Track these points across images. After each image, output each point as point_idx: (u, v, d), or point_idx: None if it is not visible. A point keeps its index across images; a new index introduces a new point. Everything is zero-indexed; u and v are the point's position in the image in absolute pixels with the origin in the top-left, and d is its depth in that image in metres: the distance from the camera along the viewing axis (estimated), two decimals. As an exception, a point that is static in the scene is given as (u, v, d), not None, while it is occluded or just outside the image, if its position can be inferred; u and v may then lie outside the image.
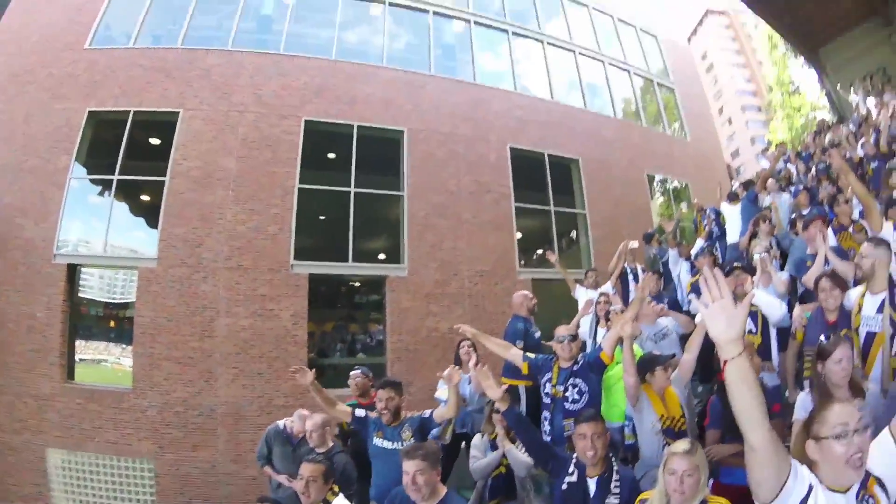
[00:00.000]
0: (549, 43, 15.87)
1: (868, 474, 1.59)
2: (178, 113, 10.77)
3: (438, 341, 10.49)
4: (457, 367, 4.21)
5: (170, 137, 10.64)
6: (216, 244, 10.14)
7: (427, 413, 4.01)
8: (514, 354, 4.20)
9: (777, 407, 3.19)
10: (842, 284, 3.54)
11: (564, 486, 2.98)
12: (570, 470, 3.00)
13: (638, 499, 2.70)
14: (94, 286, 10.78)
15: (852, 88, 12.15)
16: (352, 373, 5.55)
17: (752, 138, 48.57)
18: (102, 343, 10.69)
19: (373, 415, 4.13)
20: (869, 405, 2.52)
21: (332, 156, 11.99)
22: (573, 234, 14.04)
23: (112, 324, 10.76)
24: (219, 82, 11.20)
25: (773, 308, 4.13)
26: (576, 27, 16.85)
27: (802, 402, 2.85)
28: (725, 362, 1.42)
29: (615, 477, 2.89)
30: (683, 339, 4.59)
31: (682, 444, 2.50)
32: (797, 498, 1.55)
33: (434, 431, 4.31)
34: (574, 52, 16.31)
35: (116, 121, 10.75)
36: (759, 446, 1.49)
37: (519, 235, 12.65)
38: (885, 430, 1.69)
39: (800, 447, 1.71)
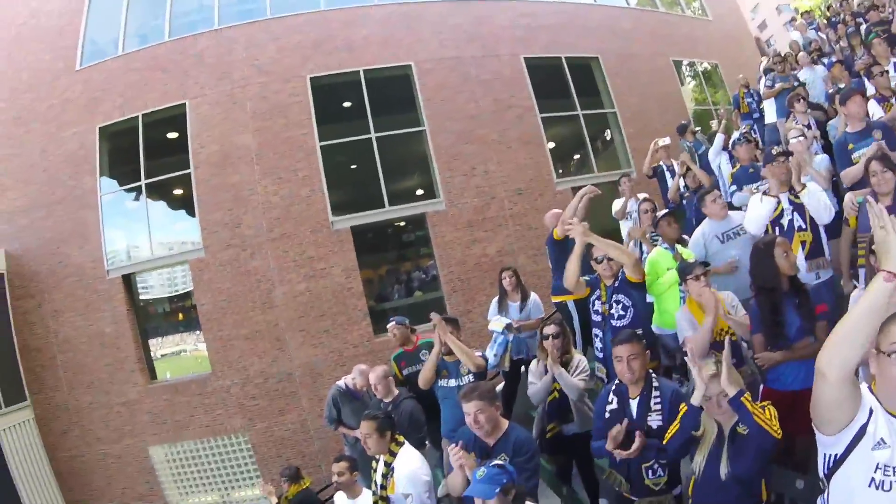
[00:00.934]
0: (552, -66, 14.84)
1: None
2: (185, 104, 10.70)
3: (489, 266, 10.31)
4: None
5: (184, 129, 10.65)
6: (254, 220, 10.22)
7: (479, 352, 4.09)
8: (571, 275, 4.05)
9: (823, 307, 2.92)
10: (893, 166, 3.28)
11: (607, 415, 2.93)
12: (609, 398, 2.96)
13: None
14: (153, 285, 11.33)
15: None
16: (388, 325, 5.42)
17: (777, 7, 44.92)
18: (178, 335, 11.30)
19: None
20: None
21: (346, 105, 11.66)
22: (607, 134, 13.42)
23: (181, 315, 11.33)
24: (214, 63, 10.99)
25: (825, 212, 3.73)
26: None
27: (856, 298, 2.64)
28: (892, 275, 1.25)
29: (654, 394, 2.85)
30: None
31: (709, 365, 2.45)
32: (857, 425, 1.39)
33: (491, 361, 4.26)
34: (580, -63, 15.22)
35: (128, 129, 10.83)
36: (836, 381, 1.33)
37: (551, 146, 12.21)
38: None
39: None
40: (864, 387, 1.43)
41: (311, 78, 11.09)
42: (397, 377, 5.01)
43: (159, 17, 11.60)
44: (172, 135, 10.94)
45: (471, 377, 3.98)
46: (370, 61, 11.56)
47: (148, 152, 10.74)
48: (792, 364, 2.84)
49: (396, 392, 4.65)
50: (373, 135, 11.07)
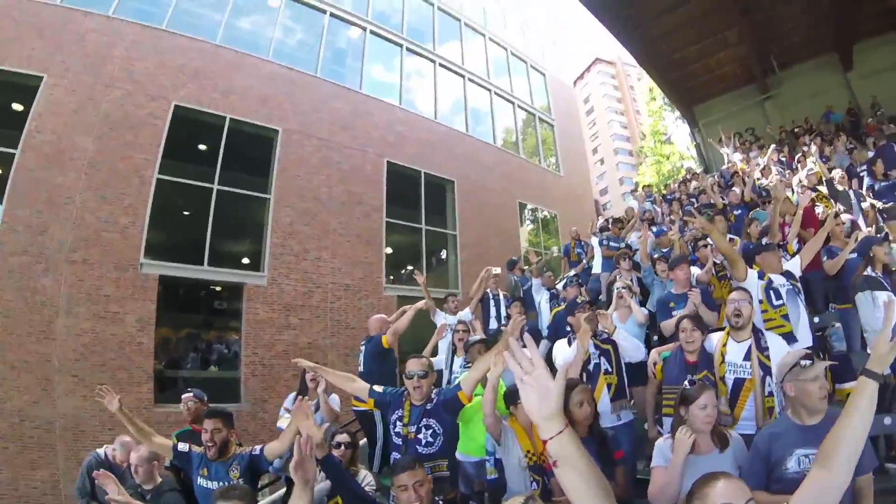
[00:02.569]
0: (441, 64, 16.18)
1: None
2: (42, 78, 9.42)
3: (297, 356, 9.73)
4: (303, 397, 3.82)
5: (30, 105, 9.32)
6: (61, 232, 8.96)
7: (257, 449, 3.50)
8: (359, 388, 3.67)
9: (620, 453, 3.06)
10: (703, 327, 3.65)
11: None
12: None
13: None
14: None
15: (722, 141, 13.51)
16: (183, 396, 4.88)
17: (621, 178, 53.12)
18: None
19: (199, 449, 3.61)
20: (733, 452, 2.61)
21: (201, 148, 11.15)
22: (443, 253, 14.20)
23: None
24: (91, 49, 9.99)
25: (637, 351, 4.12)
26: (469, 53, 17.38)
27: (661, 450, 2.74)
28: (545, 443, 1.17)
29: None
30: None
31: (516, 500, 2.38)
32: None
33: (276, 464, 3.87)
34: (464, 76, 16.78)
35: None
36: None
37: (389, 251, 12.56)
38: None
39: None
40: None
41: (176, 105, 10.52)
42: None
43: (64, -24, 10.36)
44: (17, 106, 9.45)
45: (241, 481, 3.39)
46: (241, 112, 11.31)
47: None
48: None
49: (160, 480, 4.06)
50: (215, 185, 10.59)
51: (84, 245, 9.10)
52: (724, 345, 3.45)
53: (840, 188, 7.28)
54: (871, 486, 2.24)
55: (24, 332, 8.45)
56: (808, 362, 2.39)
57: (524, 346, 1.33)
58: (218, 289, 10.96)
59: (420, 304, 5.44)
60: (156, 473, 4.06)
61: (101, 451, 4.90)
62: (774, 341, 3.38)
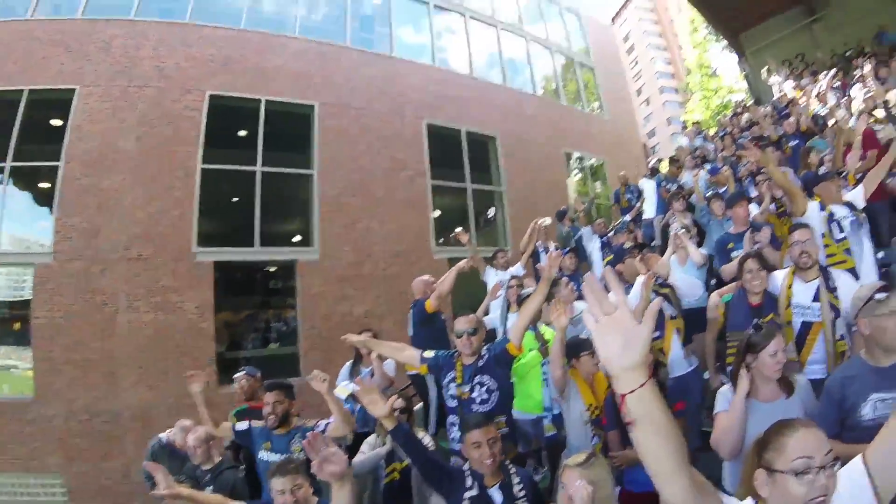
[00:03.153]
0: (471, 17, 15.62)
1: None
2: (75, 90, 9.72)
3: (354, 326, 9.53)
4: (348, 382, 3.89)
5: (68, 117, 9.65)
6: (114, 233, 9.28)
7: (321, 425, 3.46)
8: (410, 356, 3.61)
9: (681, 405, 2.92)
10: (768, 266, 3.41)
11: (465, 503, 2.63)
12: (469, 484, 2.64)
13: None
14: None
15: (770, 71, 12.64)
16: (236, 375, 5.00)
17: (668, 118, 50.64)
18: (10, 347, 9.55)
19: (259, 423, 3.66)
20: (800, 398, 2.46)
21: (241, 133, 11.21)
22: (491, 211, 13.98)
23: (17, 325, 9.58)
24: (119, 55, 10.19)
25: (696, 289, 3.94)
26: (499, 3, 16.67)
27: (724, 395, 2.59)
28: (623, 397, 0.99)
29: (516, 480, 2.64)
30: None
31: (578, 457, 2.24)
32: None
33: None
34: (496, 27, 16.16)
35: (10, 101, 9.57)
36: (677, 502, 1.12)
37: (436, 214, 12.46)
38: (857, 459, 1.35)
39: (749, 473, 1.38)
40: None
41: (211, 95, 10.61)
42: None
43: (78, -11, 10.64)
44: (56, 122, 9.79)
45: (302, 454, 3.29)
46: (276, 92, 11.30)
47: (23, 132, 9.53)
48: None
49: (218, 459, 4.14)
50: (258, 168, 10.70)
51: (138, 242, 9.44)
52: (790, 286, 3.21)
53: None
54: None
55: (88, 332, 8.89)
56: (883, 295, 2.18)
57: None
58: (272, 269, 11.20)
59: (462, 263, 5.27)
60: (214, 453, 4.15)
61: (163, 435, 4.99)
62: (843, 279, 3.11)
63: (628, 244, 5.69)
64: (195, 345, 9.32)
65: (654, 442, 1.01)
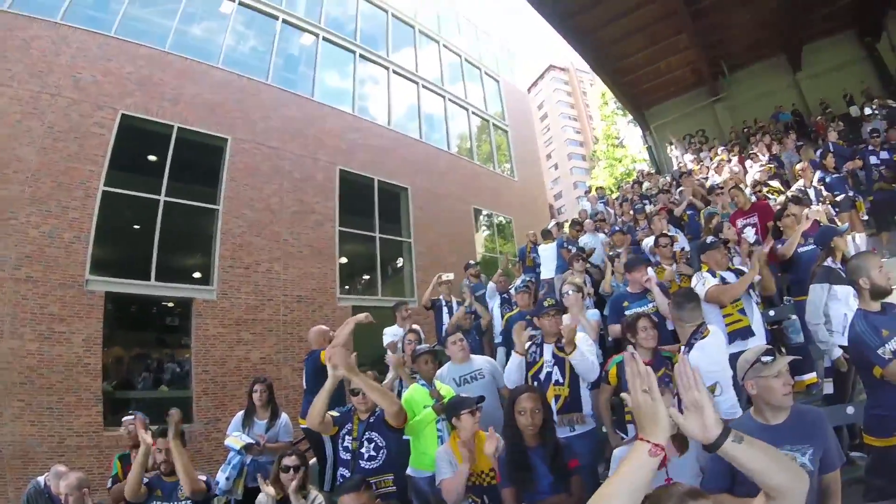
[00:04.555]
0: (394, 71, 16.17)
1: None
2: None
3: (250, 373, 9.60)
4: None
5: None
6: (4, 248, 8.53)
7: (203, 476, 3.53)
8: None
9: (575, 462, 2.88)
10: (657, 326, 3.58)
11: None
12: None
13: None
14: None
15: (673, 145, 13.82)
16: (125, 419, 4.78)
17: (575, 182, 54.64)
18: None
19: (150, 474, 3.61)
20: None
21: (150, 158, 10.76)
22: (399, 261, 14.19)
23: None
24: (37, 57, 9.56)
25: (591, 374, 3.80)
26: (424, 60, 17.44)
27: (617, 458, 2.65)
28: (658, 448, 1.12)
29: None
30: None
31: None
32: None
33: (222, 485, 3.87)
34: (418, 83, 16.82)
35: None
36: None
37: (343, 261, 12.45)
38: None
39: None
40: None
41: (123, 114, 10.14)
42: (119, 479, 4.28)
43: (9, -17, 9.90)
44: None
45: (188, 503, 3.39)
46: (190, 121, 11.00)
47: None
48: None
49: None
50: (162, 197, 10.26)
51: (28, 262, 8.67)
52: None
53: (801, 184, 7.59)
54: (839, 482, 2.21)
55: None
56: (769, 358, 2.31)
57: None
58: (170, 304, 10.62)
59: (360, 316, 5.23)
60: (87, 501, 3.89)
61: (40, 479, 4.61)
62: (696, 354, 3.25)
63: (548, 302, 5.83)
64: (80, 381, 8.58)
65: (633, 496, 1.12)
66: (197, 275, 10.87)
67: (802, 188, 7.52)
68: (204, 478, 3.53)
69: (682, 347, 3.40)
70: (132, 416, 4.73)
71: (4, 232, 8.59)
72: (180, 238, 10.85)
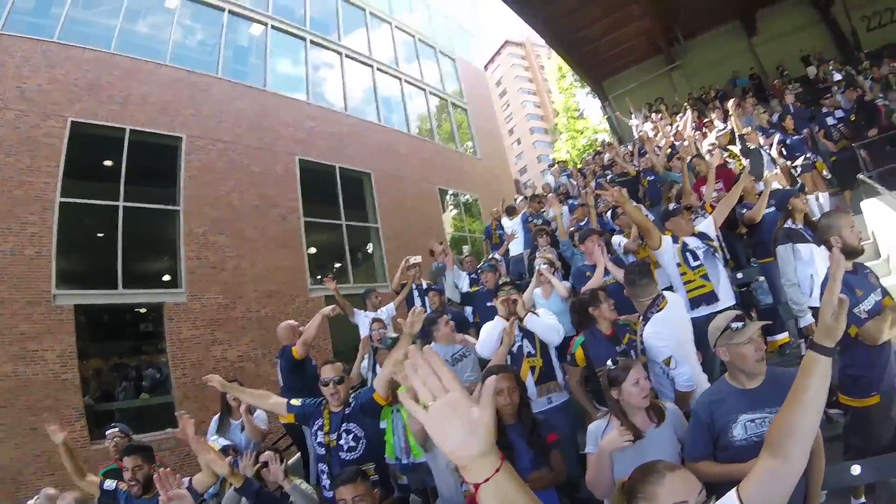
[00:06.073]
0: (347, 55, 15.96)
1: None
2: None
3: (229, 371, 9.42)
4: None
5: None
6: None
7: (186, 482, 3.28)
8: (276, 404, 3.55)
9: (553, 436, 2.87)
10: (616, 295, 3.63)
11: None
12: None
13: None
14: None
15: (632, 114, 13.97)
16: (108, 432, 4.77)
17: (538, 156, 54.90)
18: None
19: (123, 486, 3.53)
20: (672, 425, 2.51)
21: (105, 163, 10.47)
22: (368, 247, 14.20)
23: None
24: None
25: (553, 334, 3.91)
26: (376, 42, 17.23)
27: (592, 434, 2.61)
28: (477, 488, 0.85)
29: None
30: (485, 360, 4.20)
31: None
32: None
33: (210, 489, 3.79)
34: (372, 66, 16.65)
35: None
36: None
37: (312, 251, 12.41)
38: (731, 494, 1.32)
39: None
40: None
41: (73, 121, 9.83)
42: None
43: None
44: None
45: None
46: (141, 122, 10.72)
47: None
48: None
49: None
50: (121, 203, 10.03)
51: None
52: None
53: (751, 146, 7.60)
54: (821, 440, 2.13)
55: None
56: (739, 325, 2.29)
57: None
58: (142, 310, 10.50)
59: (327, 309, 5.31)
60: None
61: (31, 503, 4.62)
62: (649, 327, 3.27)
63: (503, 279, 5.86)
64: (60, 397, 8.47)
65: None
66: (166, 278, 10.72)
67: (750, 148, 7.67)
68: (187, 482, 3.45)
69: (640, 320, 3.37)
70: (116, 429, 4.79)
71: (-38, 255, 8.30)
72: (144, 242, 10.70)
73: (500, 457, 0.86)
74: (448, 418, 0.83)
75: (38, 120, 9.54)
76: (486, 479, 0.84)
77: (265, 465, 3.45)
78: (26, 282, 8.72)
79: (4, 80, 9.42)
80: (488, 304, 5.52)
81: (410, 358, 0.89)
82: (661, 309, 3.33)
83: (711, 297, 3.88)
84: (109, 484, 3.68)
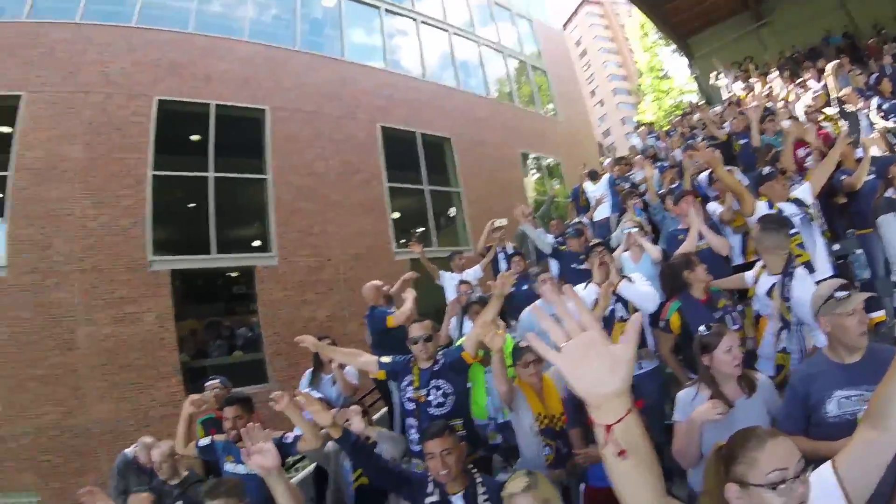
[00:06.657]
0: (422, 21, 15.66)
1: None
2: (21, 96, 9.21)
3: (318, 331, 9.27)
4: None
5: (14, 125, 9.15)
6: (66, 245, 8.89)
7: (289, 437, 3.34)
8: (367, 362, 3.62)
9: (640, 403, 2.69)
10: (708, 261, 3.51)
11: None
12: (430, 490, 2.64)
13: None
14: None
15: (721, 73, 13.04)
16: (207, 383, 4.91)
17: (622, 118, 52.58)
18: None
19: (222, 437, 3.63)
20: (762, 397, 2.41)
21: (193, 138, 10.89)
22: (451, 211, 14.05)
23: None
24: (64, 60, 9.72)
25: (648, 302, 3.76)
26: (451, 7, 16.81)
27: (681, 402, 2.52)
28: (609, 428, 0.85)
29: (480, 490, 2.58)
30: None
31: (519, 482, 2.18)
32: None
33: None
34: (448, 31, 16.26)
35: None
36: None
37: (396, 215, 12.41)
38: (827, 466, 1.30)
39: (715, 484, 1.35)
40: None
41: (158, 100, 10.24)
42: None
43: (25, -9, 10.16)
44: (5, 129, 9.22)
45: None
46: (225, 97, 11.00)
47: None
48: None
49: (185, 474, 4.03)
50: (211, 174, 10.37)
51: (91, 252, 9.03)
52: (757, 277, 3.28)
53: (849, 108, 6.97)
54: None
55: (47, 345, 8.46)
56: (844, 294, 2.14)
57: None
58: (234, 274, 10.97)
59: (408, 275, 5.56)
60: (180, 468, 4.08)
61: (128, 451, 4.86)
62: (800, 284, 3.03)
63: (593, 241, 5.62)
64: (158, 355, 9.03)
65: (638, 473, 0.90)
66: (256, 243, 11.05)
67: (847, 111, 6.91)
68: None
69: (779, 276, 3.11)
70: (216, 380, 4.94)
71: (64, 228, 8.96)
72: (235, 210, 11.04)
73: (632, 400, 0.87)
74: (586, 357, 0.84)
75: (123, 101, 9.98)
76: (619, 420, 0.85)
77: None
78: (124, 250, 9.27)
79: (87, 66, 9.88)
80: (572, 265, 5.48)
81: (548, 298, 1.01)
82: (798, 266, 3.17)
83: (808, 268, 3.47)
84: (203, 441, 3.79)
